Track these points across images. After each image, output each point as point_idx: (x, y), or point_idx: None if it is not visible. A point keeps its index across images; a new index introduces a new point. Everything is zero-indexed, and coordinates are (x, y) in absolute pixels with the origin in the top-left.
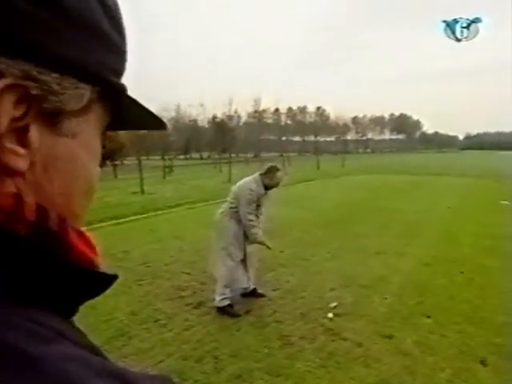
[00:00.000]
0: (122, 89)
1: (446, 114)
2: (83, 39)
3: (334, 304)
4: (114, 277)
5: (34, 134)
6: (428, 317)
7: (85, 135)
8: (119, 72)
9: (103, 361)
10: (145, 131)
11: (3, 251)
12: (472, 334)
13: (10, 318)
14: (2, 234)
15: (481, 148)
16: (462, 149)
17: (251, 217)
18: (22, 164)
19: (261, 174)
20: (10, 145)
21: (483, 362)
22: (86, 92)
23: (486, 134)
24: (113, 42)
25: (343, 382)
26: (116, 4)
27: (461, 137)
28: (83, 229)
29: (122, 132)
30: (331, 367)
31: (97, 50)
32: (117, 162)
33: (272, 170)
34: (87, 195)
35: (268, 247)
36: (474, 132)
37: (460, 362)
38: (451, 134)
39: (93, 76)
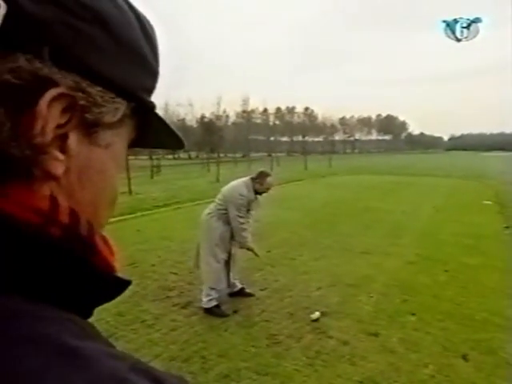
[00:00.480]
0: (152, 107)
1: (432, 115)
2: (127, 61)
3: (317, 315)
4: (129, 282)
5: (73, 141)
6: (413, 314)
7: (115, 147)
8: (151, 91)
9: (134, 358)
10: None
11: (40, 252)
12: (454, 331)
13: (51, 314)
14: (40, 236)
15: (464, 149)
16: (447, 149)
17: (242, 220)
18: (59, 169)
19: (252, 179)
20: (52, 150)
21: (465, 358)
22: (121, 107)
23: (469, 136)
24: (149, 64)
25: (330, 380)
26: (154, 32)
27: (446, 138)
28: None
29: None
30: (318, 365)
31: (136, 70)
32: None
33: (262, 176)
34: (111, 206)
35: (256, 254)
36: (458, 133)
37: (443, 358)
38: (436, 134)
39: (130, 93)
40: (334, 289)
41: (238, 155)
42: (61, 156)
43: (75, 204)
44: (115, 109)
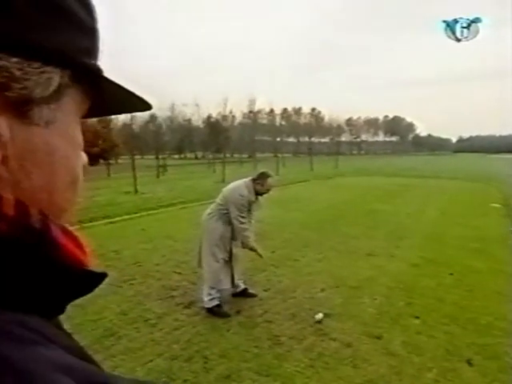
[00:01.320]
0: (97, 70)
1: (440, 116)
2: (46, 19)
3: (320, 316)
4: (103, 275)
5: (3, 126)
6: (416, 318)
7: (60, 123)
8: (91, 52)
9: (90, 369)
10: (138, 131)
11: None
12: (459, 335)
13: None
14: None
15: (473, 151)
16: (455, 151)
17: (243, 220)
18: None
19: (252, 180)
20: None
21: (469, 362)
22: (54, 76)
23: (478, 137)
24: (80, 20)
25: (331, 383)
26: None
27: (454, 140)
28: (71, 227)
29: (115, 131)
30: (320, 367)
31: (62, 29)
32: (110, 161)
33: (263, 177)
34: (72, 188)
35: (259, 255)
36: (466, 135)
37: (447, 362)
38: (444, 136)
39: (59, 58)
40: (337, 290)
41: (243, 155)
42: None
43: (24, 194)
44: (46, 80)
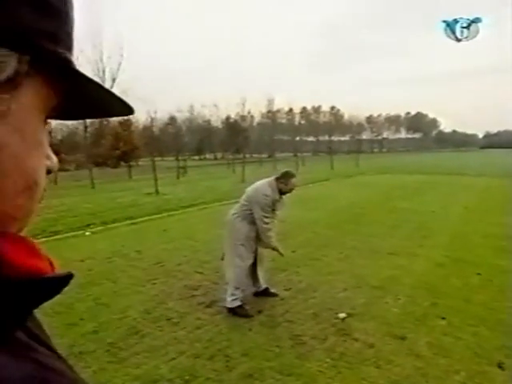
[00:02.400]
0: (63, 59)
1: (465, 111)
2: None
3: (343, 315)
4: (68, 277)
5: None
6: (442, 318)
7: (16, 117)
8: (58, 38)
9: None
10: (158, 133)
11: None
12: (488, 337)
13: None
14: None
15: (501, 146)
16: (482, 147)
17: (267, 220)
18: None
19: (276, 179)
20: None
21: (500, 366)
22: (8, 60)
23: (506, 132)
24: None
25: (354, 383)
26: None
27: (480, 135)
28: (19, 234)
29: (135, 133)
30: (342, 367)
31: (19, 6)
32: (132, 164)
33: (287, 176)
34: (26, 193)
35: (281, 254)
36: (494, 130)
37: (475, 365)
38: (470, 132)
39: (15, 38)
40: (359, 290)
41: (263, 155)
42: None
43: None
44: None
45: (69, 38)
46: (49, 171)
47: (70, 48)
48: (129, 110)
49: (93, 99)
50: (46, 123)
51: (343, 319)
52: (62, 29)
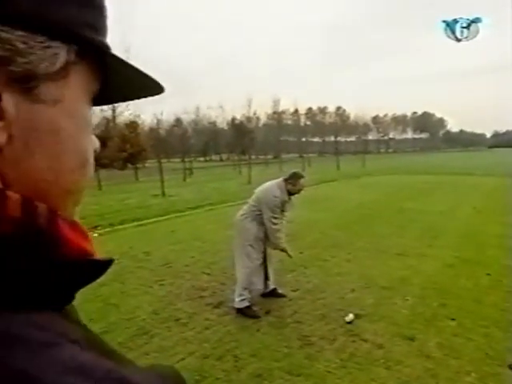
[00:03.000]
0: (104, 46)
1: (473, 110)
2: None
3: (351, 317)
4: (109, 262)
5: (8, 103)
6: (452, 319)
7: (68, 102)
8: (98, 28)
9: (104, 365)
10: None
11: None
12: (499, 338)
13: (8, 329)
14: None
15: (510, 146)
16: (490, 147)
17: (276, 221)
18: (0, 138)
19: (284, 180)
20: None
21: None
22: (60, 52)
23: None
24: None
25: (364, 383)
26: None
27: (488, 135)
28: (74, 218)
29: (142, 135)
30: (351, 368)
31: (67, 3)
32: (138, 165)
33: (295, 177)
34: (80, 170)
35: (289, 255)
36: (503, 129)
37: (486, 366)
38: (478, 131)
39: (65, 32)
40: (367, 291)
41: (269, 157)
42: None
43: (27, 173)
44: (52, 55)
45: (105, 26)
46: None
47: (105, 35)
48: (160, 88)
49: (129, 81)
50: (89, 106)
51: (350, 322)
52: (99, 19)
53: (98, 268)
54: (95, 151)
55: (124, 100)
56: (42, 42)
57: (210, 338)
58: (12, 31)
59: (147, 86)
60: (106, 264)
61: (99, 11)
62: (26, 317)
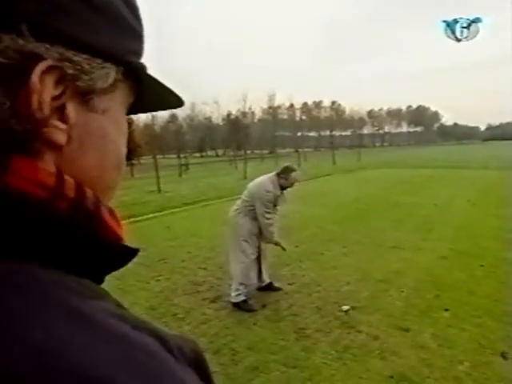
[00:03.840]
0: (142, 67)
1: (467, 104)
2: (108, 26)
3: (347, 308)
4: (137, 250)
5: (71, 110)
6: (446, 310)
7: (113, 112)
8: (139, 53)
9: (139, 318)
10: (159, 131)
11: (50, 225)
12: (492, 328)
13: (61, 278)
14: (49, 209)
15: (504, 138)
16: (484, 140)
17: (269, 215)
18: (62, 138)
19: (277, 174)
20: (53, 121)
21: (504, 356)
22: (111, 71)
23: (509, 124)
24: (131, 26)
25: (359, 374)
26: None
27: (482, 128)
28: (112, 207)
29: (137, 132)
30: (347, 359)
31: (119, 34)
32: (133, 162)
33: (287, 171)
34: (118, 169)
35: (283, 248)
36: (496, 122)
37: (479, 355)
38: (472, 124)
39: (116, 57)
40: (363, 284)
41: (264, 152)
42: (62, 125)
43: (80, 170)
44: (105, 74)
45: (143, 50)
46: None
47: (142, 57)
48: (181, 102)
49: (157, 95)
50: (125, 116)
51: (346, 311)
52: (141, 46)
53: (128, 254)
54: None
55: (150, 111)
56: (99, 64)
57: (207, 333)
58: (80, 55)
59: (170, 100)
60: (134, 251)
61: (141, 40)
62: (75, 278)
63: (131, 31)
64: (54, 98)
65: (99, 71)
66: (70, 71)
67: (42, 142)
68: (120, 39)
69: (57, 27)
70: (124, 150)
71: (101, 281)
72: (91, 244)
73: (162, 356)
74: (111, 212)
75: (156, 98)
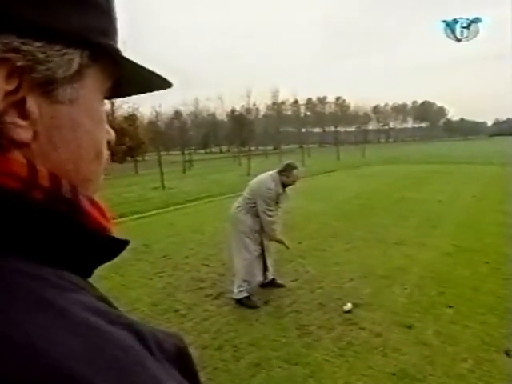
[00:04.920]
0: (114, 50)
1: (473, 99)
2: (63, 4)
3: (349, 306)
4: (126, 242)
5: (32, 105)
6: (449, 307)
7: (84, 101)
8: (108, 33)
9: (117, 312)
10: (163, 127)
11: (25, 214)
12: (496, 325)
13: (37, 271)
14: (23, 199)
15: (511, 134)
16: (491, 135)
17: (270, 213)
18: (25, 135)
19: (279, 172)
20: (10, 118)
21: (508, 353)
22: (74, 57)
23: None
24: (96, 2)
25: (361, 371)
26: None
27: (489, 123)
28: (95, 197)
29: (141, 128)
30: (349, 356)
31: (79, 13)
32: (138, 158)
33: (289, 168)
34: (97, 160)
35: (286, 246)
36: (504, 117)
37: (483, 352)
38: (479, 120)
39: (77, 40)
40: (366, 280)
41: (268, 148)
42: (22, 122)
43: (53, 165)
44: (67, 61)
45: (115, 31)
46: (108, 142)
47: (115, 39)
48: (167, 84)
49: (137, 78)
50: (103, 103)
51: (349, 311)
52: (111, 25)
53: (115, 246)
54: (110, 142)
55: (136, 93)
56: (58, 50)
57: (209, 329)
58: (31, 43)
59: (156, 82)
60: (122, 243)
61: (109, 17)
62: (54, 270)
63: (94, 7)
64: (9, 93)
65: (58, 59)
66: (20, 63)
67: (5, 139)
68: (80, 18)
69: (1, 12)
70: (102, 139)
71: (88, 274)
72: (70, 233)
73: (137, 351)
74: (92, 202)
75: (139, 81)
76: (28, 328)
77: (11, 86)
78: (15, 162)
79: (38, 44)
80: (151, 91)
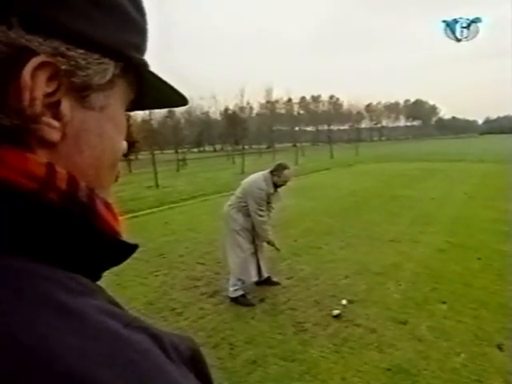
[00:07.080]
0: (143, 64)
1: (465, 98)
2: (107, 19)
3: (344, 302)
4: (135, 246)
5: (66, 107)
6: (443, 303)
7: (111, 109)
8: (141, 48)
9: (132, 315)
10: (157, 126)
11: (39, 215)
12: (488, 320)
13: (50, 273)
14: (37, 200)
15: (502, 132)
16: (482, 133)
17: (262, 213)
18: (55, 136)
19: (270, 172)
20: (45, 118)
21: (500, 347)
22: (109, 67)
23: (506, 118)
24: (134, 20)
25: (357, 367)
26: None
27: (480, 121)
28: (109, 201)
29: (134, 127)
30: (345, 353)
31: (119, 28)
32: (131, 157)
33: (280, 168)
34: (112, 168)
35: (277, 249)
36: (494, 116)
37: (476, 346)
38: (470, 118)
39: (115, 52)
40: (360, 277)
41: (262, 146)
42: (55, 123)
43: (75, 168)
44: (103, 70)
45: (146, 46)
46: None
47: (145, 53)
48: (185, 101)
49: (160, 93)
50: (125, 114)
51: (337, 315)
52: (144, 41)
53: (125, 249)
54: (123, 152)
55: (154, 108)
56: (96, 59)
57: (205, 327)
58: (75, 49)
59: (175, 98)
60: (133, 247)
61: (143, 34)
62: (67, 272)
63: (132, 24)
64: (47, 95)
65: (96, 67)
66: (64, 67)
67: (33, 138)
68: (120, 33)
69: (51, 20)
70: (121, 149)
71: (97, 277)
72: (84, 236)
73: (155, 355)
74: (107, 205)
75: (159, 96)
76: (43, 332)
77: (51, 88)
78: (33, 162)
79: (80, 51)
80: (169, 107)
